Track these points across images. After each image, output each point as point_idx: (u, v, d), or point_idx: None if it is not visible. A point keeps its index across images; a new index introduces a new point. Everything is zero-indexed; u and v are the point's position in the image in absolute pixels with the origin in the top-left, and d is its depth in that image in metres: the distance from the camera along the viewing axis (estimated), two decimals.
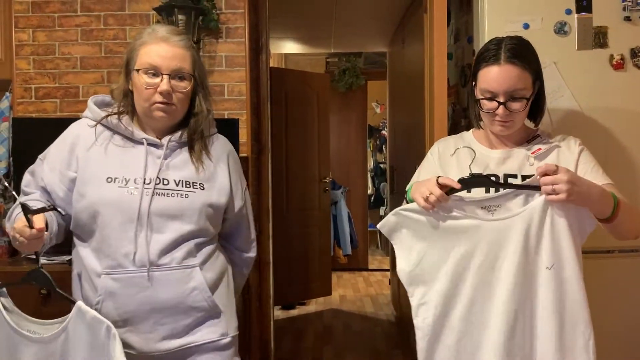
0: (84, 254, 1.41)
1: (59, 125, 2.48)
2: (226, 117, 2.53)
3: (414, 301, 1.45)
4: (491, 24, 2.07)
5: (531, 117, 1.56)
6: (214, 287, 1.47)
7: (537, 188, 1.32)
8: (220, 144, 1.58)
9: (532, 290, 1.32)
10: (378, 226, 1.49)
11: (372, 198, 7.45)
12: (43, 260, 2.16)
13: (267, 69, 2.90)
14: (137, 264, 1.36)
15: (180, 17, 2.35)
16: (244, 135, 2.52)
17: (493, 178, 1.44)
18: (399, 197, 4.14)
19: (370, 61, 6.47)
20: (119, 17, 2.57)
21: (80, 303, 1.22)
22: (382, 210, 7.18)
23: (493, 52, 1.43)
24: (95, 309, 1.35)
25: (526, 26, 2.06)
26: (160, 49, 1.40)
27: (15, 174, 2.32)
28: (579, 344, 1.33)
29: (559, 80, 2.04)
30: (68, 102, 2.57)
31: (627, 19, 2.06)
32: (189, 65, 1.43)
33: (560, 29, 2.06)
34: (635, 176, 2.05)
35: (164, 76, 1.39)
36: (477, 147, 1.56)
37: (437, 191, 1.34)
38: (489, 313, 1.34)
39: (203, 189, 1.45)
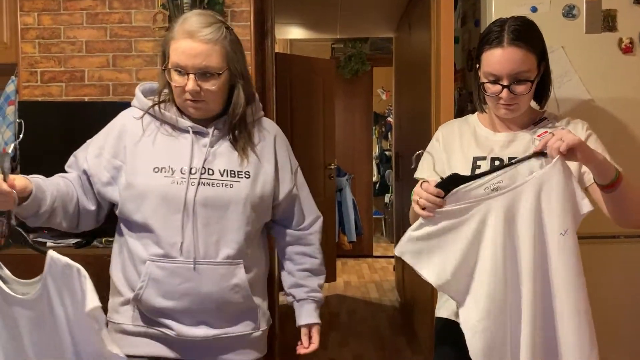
0: (130, 240, 1.42)
1: (64, 109, 2.48)
2: None
3: (454, 305, 1.42)
4: (499, 6, 2.05)
5: (537, 99, 1.53)
6: (254, 284, 1.47)
7: (526, 159, 1.32)
8: (265, 128, 1.55)
9: (547, 258, 1.29)
10: (397, 253, 1.41)
11: (377, 185, 7.45)
12: (50, 243, 2.17)
13: (273, 54, 2.89)
14: (184, 255, 1.36)
15: (185, 0, 2.34)
16: None
17: (483, 169, 1.41)
18: (404, 184, 4.13)
19: (376, 47, 6.43)
20: (124, 0, 2.56)
21: (51, 251, 1.14)
22: (387, 198, 7.18)
23: (496, 34, 1.40)
24: (137, 294, 1.37)
25: (534, 9, 2.03)
26: (186, 46, 1.36)
27: (21, 157, 2.33)
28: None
29: (566, 64, 2.02)
30: (74, 86, 2.57)
31: (637, 2, 2.03)
32: (217, 61, 1.38)
33: (569, 12, 2.04)
34: (638, 162, 2.04)
35: (190, 76, 1.36)
36: (481, 130, 1.55)
37: (424, 194, 1.32)
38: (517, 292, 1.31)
39: (248, 178, 1.44)
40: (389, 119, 7.27)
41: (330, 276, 5.06)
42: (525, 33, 1.40)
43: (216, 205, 1.40)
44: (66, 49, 2.57)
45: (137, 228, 1.41)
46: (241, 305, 1.45)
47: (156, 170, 1.40)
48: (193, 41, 1.36)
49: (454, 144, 1.55)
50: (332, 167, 5.06)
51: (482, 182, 1.35)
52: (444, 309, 1.56)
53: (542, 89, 1.49)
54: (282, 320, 4.15)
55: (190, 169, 1.39)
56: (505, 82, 1.39)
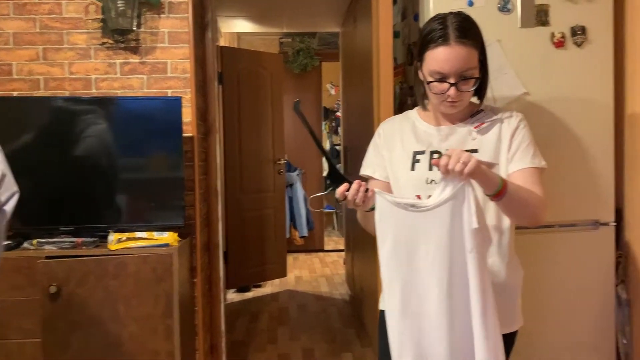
0: None
1: None
2: (170, 95, 2.46)
3: None
4: (437, 1, 2.06)
5: (476, 93, 1.54)
6: None
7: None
8: None
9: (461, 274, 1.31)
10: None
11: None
12: None
13: (214, 47, 2.82)
14: None
15: None
16: (188, 114, 2.46)
17: (423, 162, 1.44)
18: (353, 178, 4.12)
19: (324, 42, 6.42)
20: None
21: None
22: (346, 202, 7.19)
23: (440, 32, 1.38)
24: None
25: (470, 3, 2.06)
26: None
27: None
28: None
29: (502, 58, 2.06)
30: (1, 81, 2.44)
31: None
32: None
33: (504, 7, 2.07)
34: (574, 152, 2.10)
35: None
36: (420, 125, 1.55)
37: (340, 189, 1.35)
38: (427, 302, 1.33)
39: None
40: (338, 113, 7.29)
41: (281, 272, 5.03)
42: (468, 30, 1.40)
43: None
44: None
45: None
46: None
47: None
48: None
49: (394, 140, 1.56)
50: (282, 162, 5.03)
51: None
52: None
53: (481, 83, 1.50)
54: (232, 317, 4.12)
55: None
56: (452, 80, 1.39)
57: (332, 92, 7.32)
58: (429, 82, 1.43)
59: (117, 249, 2.18)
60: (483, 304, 1.26)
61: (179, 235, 2.29)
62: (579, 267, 2.12)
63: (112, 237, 2.21)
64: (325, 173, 1.51)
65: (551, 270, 2.11)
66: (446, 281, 1.30)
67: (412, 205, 1.32)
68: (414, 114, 1.59)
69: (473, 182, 1.30)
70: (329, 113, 7.56)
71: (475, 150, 1.46)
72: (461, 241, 1.28)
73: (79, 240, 2.21)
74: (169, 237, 2.24)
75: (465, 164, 1.24)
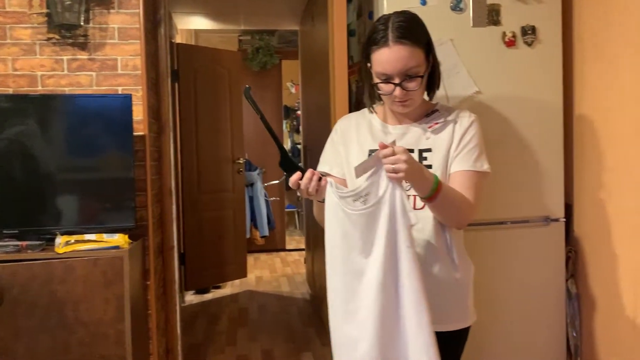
0: None
1: None
2: (120, 92, 2.39)
3: None
4: (390, 0, 2.06)
5: (426, 90, 1.55)
6: None
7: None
8: None
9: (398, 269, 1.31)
10: None
11: None
12: None
13: (167, 43, 2.76)
14: None
15: None
16: (139, 112, 2.39)
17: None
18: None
19: (284, 40, 6.39)
20: None
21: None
22: (299, 191, 7.17)
23: (382, 33, 1.39)
24: None
25: (423, 2, 2.07)
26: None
27: None
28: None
29: (455, 57, 2.08)
30: None
31: None
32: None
33: (456, 6, 2.09)
34: (525, 150, 2.14)
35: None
36: (376, 123, 1.56)
37: (294, 177, 1.35)
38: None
39: None
40: (299, 112, 7.26)
41: (241, 272, 4.98)
42: (409, 29, 1.40)
43: None
44: None
45: None
46: None
47: None
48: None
49: (351, 137, 1.56)
50: (241, 162, 4.97)
51: (353, 192, 1.33)
52: None
53: (431, 81, 1.51)
54: (191, 320, 4.05)
55: None
56: (396, 81, 1.40)
57: (293, 90, 7.29)
58: (376, 84, 1.43)
59: (64, 252, 2.10)
60: (417, 301, 1.26)
61: (131, 237, 2.23)
62: (531, 262, 2.16)
63: (60, 239, 2.12)
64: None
65: (504, 266, 2.15)
66: (381, 278, 1.28)
67: (353, 203, 1.31)
68: (371, 111, 1.59)
69: None
70: (289, 112, 7.53)
71: (429, 150, 1.47)
72: (396, 238, 1.27)
73: (24, 243, 2.12)
74: (119, 239, 2.17)
75: (396, 170, 1.24)
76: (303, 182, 1.33)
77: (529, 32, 2.13)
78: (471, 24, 2.10)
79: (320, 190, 1.34)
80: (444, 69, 2.05)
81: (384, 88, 1.42)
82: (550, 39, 2.14)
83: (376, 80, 1.43)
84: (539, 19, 2.13)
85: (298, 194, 1.39)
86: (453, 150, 1.47)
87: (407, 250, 1.27)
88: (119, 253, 2.12)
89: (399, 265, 1.27)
